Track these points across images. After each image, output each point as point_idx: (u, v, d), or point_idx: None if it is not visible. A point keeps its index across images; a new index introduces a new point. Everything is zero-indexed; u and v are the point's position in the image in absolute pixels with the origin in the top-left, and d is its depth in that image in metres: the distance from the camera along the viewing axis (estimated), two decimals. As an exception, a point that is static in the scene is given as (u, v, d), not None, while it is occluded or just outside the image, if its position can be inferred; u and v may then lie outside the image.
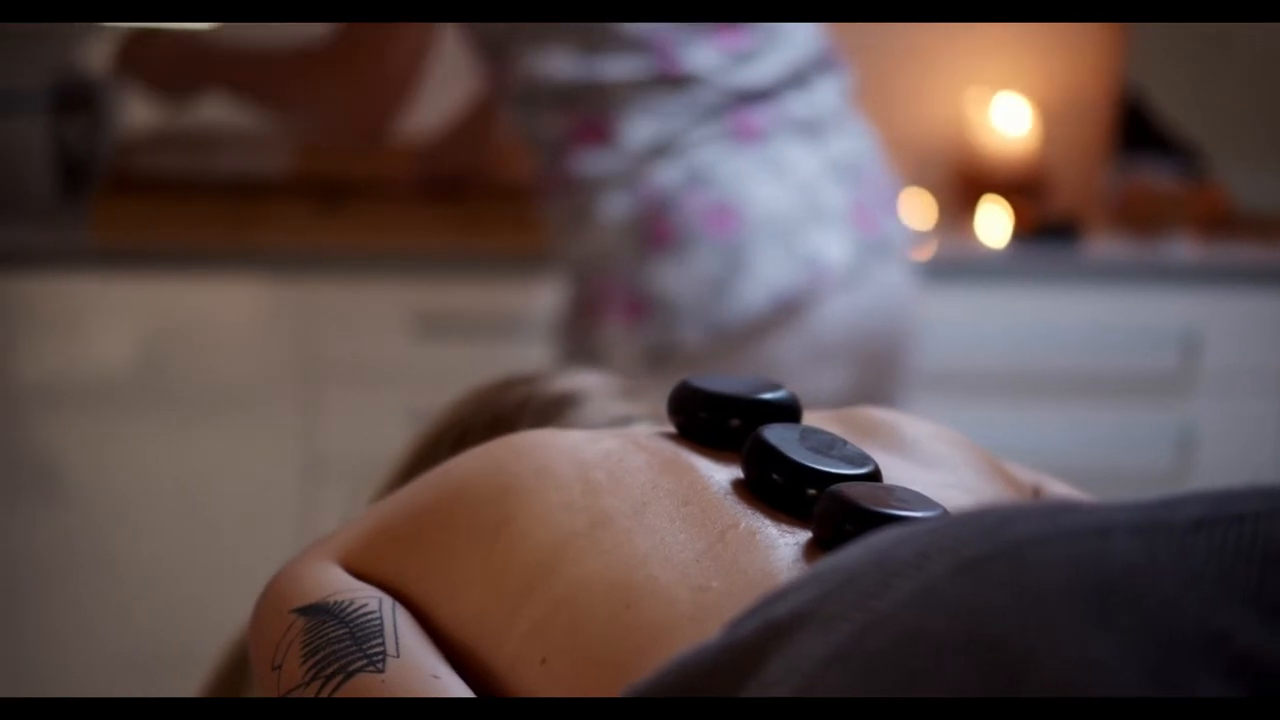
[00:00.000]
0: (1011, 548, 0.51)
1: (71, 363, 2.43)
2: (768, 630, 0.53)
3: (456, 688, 0.69)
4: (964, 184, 2.93)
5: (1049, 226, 2.69)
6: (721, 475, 0.77)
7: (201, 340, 2.44)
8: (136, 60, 2.12)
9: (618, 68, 1.78)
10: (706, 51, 1.81)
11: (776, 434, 0.76)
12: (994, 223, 2.77)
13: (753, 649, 0.53)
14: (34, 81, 2.63)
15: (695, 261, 1.76)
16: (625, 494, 0.74)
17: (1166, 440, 2.60)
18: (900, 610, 0.50)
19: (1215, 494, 0.56)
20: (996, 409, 2.57)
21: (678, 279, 1.77)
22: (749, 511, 0.73)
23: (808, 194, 1.83)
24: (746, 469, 0.76)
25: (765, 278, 1.77)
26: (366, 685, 0.69)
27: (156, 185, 2.50)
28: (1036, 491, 0.89)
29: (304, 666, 0.71)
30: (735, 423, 0.80)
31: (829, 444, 0.77)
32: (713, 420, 0.81)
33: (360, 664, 0.70)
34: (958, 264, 2.59)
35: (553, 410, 1.00)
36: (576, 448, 0.78)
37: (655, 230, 1.77)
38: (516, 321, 2.40)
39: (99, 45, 2.74)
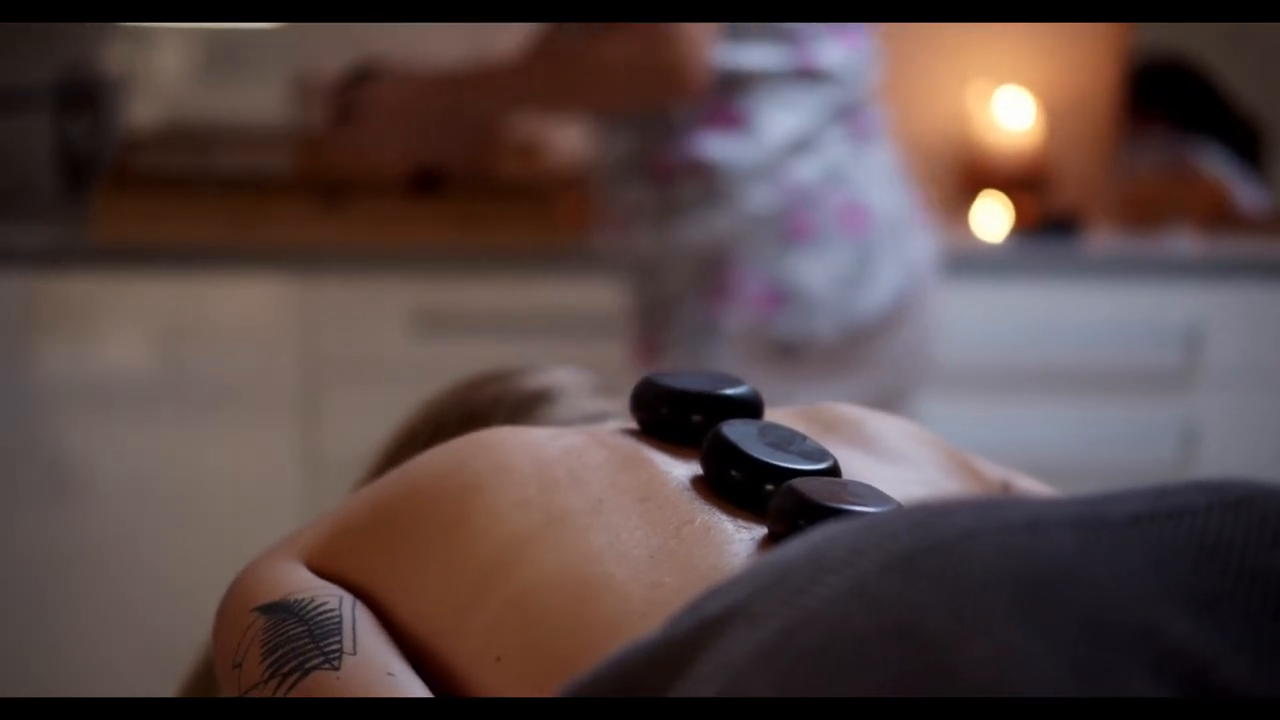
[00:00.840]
0: (943, 543, 0.51)
1: (71, 361, 2.43)
2: (701, 627, 0.53)
3: (411, 685, 0.69)
4: (966, 178, 2.93)
5: (1050, 221, 2.69)
6: (681, 471, 0.77)
7: (203, 338, 2.45)
8: (418, 136, 2.02)
9: (758, 57, 1.80)
10: (836, 49, 1.84)
11: (736, 430, 0.76)
12: (994, 217, 2.77)
13: (685, 646, 0.53)
14: (39, 79, 2.64)
15: (831, 258, 1.81)
16: (583, 491, 0.74)
17: (1169, 435, 2.59)
18: (829, 607, 0.50)
19: (1156, 490, 0.56)
20: (998, 405, 2.56)
21: (816, 273, 1.81)
22: (706, 507, 0.73)
23: (895, 197, 1.91)
24: (705, 464, 0.76)
25: (889, 277, 1.85)
26: (322, 683, 0.69)
27: (159, 183, 2.50)
28: (1005, 488, 0.89)
29: (263, 665, 0.71)
30: (697, 418, 0.80)
31: (788, 439, 0.77)
32: (674, 416, 0.81)
33: (317, 661, 0.70)
34: (958, 259, 2.58)
35: (527, 406, 1.00)
36: (537, 444, 0.78)
37: (796, 224, 1.81)
38: (517, 318, 2.40)
39: (103, 44, 2.76)
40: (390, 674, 0.70)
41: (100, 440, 2.43)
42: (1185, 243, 2.70)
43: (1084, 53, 2.97)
